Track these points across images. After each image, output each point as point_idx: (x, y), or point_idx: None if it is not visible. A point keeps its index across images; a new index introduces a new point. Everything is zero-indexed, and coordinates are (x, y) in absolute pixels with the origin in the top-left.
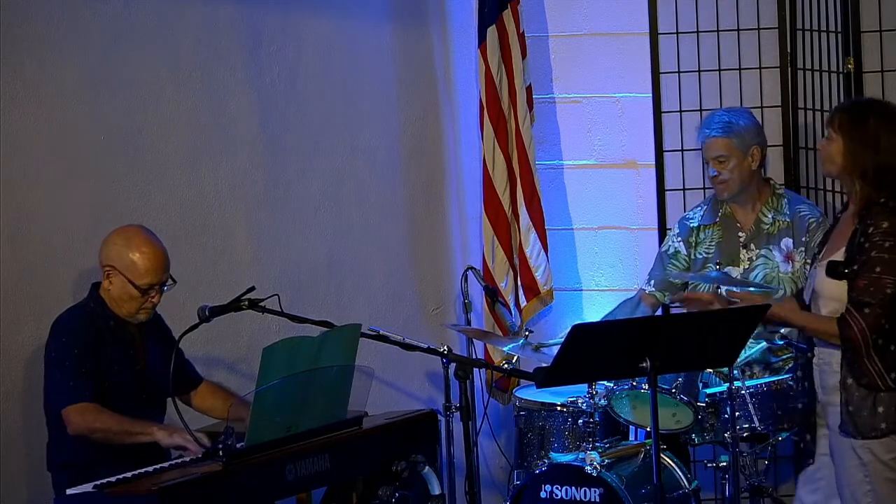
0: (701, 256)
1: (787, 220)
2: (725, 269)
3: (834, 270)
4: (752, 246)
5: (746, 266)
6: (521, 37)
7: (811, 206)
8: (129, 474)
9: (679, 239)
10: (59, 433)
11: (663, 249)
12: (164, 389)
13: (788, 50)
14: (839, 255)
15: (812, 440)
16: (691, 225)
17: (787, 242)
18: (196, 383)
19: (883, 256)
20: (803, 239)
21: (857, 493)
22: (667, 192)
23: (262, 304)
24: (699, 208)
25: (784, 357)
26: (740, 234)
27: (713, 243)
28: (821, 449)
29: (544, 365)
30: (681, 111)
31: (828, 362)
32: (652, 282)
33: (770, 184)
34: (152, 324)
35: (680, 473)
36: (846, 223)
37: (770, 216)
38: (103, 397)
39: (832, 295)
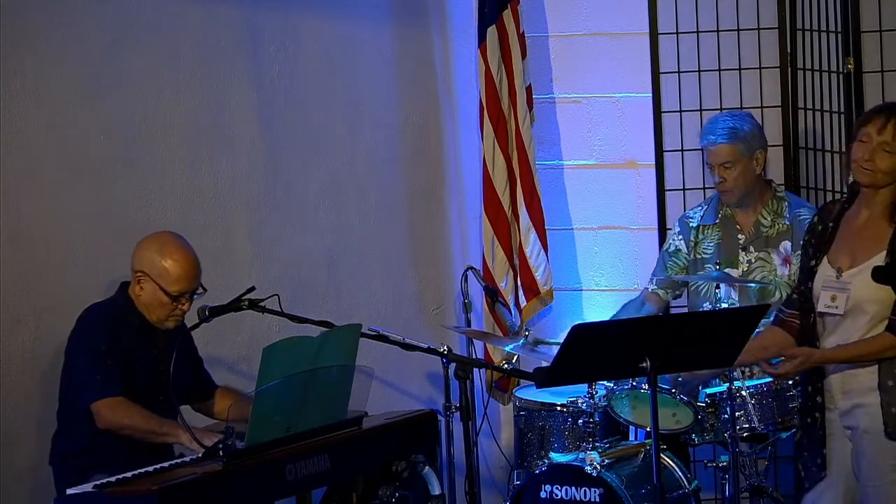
0: (700, 256)
1: (787, 223)
2: (725, 270)
3: (882, 275)
4: (752, 248)
5: (745, 268)
6: (521, 37)
7: (811, 209)
8: (129, 474)
9: (680, 237)
10: (71, 423)
11: (665, 248)
12: (181, 396)
13: (788, 50)
14: (879, 260)
15: (822, 462)
16: (692, 224)
17: (785, 246)
18: (212, 391)
19: None
20: (801, 242)
21: (889, 493)
22: (667, 192)
23: (262, 304)
24: (700, 208)
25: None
26: (740, 235)
27: (712, 244)
28: (833, 453)
29: (544, 365)
30: (681, 111)
31: (855, 364)
32: (655, 280)
33: (771, 186)
34: (177, 332)
35: (680, 473)
36: (868, 226)
37: (769, 219)
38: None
39: (880, 300)
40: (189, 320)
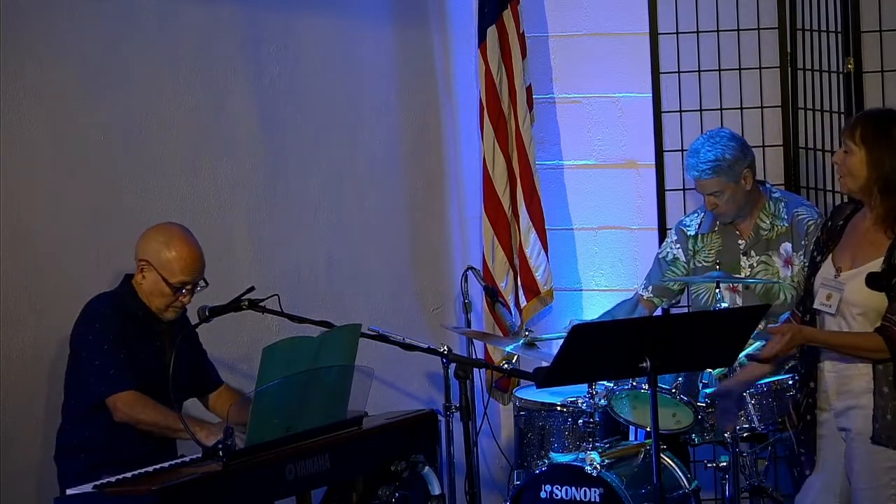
0: (700, 265)
1: (786, 224)
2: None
3: (876, 282)
4: (753, 253)
5: (747, 273)
6: (521, 37)
7: (809, 207)
8: (129, 474)
9: (678, 246)
10: (79, 416)
11: (661, 255)
12: (186, 387)
13: (788, 50)
14: (875, 266)
15: (809, 458)
16: (688, 234)
17: (786, 247)
18: (216, 386)
19: None
20: (802, 242)
21: (880, 496)
22: (667, 192)
23: (262, 304)
24: (696, 215)
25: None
26: (740, 241)
27: (712, 252)
28: (824, 453)
29: (544, 365)
30: (681, 111)
31: (852, 365)
32: (650, 287)
33: (763, 189)
34: (179, 324)
35: (680, 473)
36: (870, 232)
37: (768, 222)
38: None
39: (870, 305)
40: (190, 314)
